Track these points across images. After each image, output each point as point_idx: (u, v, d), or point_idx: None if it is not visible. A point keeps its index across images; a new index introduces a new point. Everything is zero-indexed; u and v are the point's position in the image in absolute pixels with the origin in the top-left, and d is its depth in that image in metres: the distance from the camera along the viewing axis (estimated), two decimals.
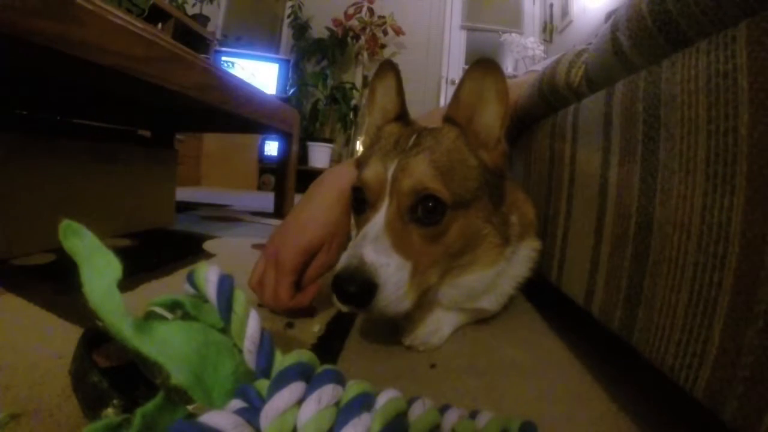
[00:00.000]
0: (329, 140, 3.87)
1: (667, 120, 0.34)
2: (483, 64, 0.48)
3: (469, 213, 0.47)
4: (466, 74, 0.49)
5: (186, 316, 0.33)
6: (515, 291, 0.58)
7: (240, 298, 0.32)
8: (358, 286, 0.39)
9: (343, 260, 0.41)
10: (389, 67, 0.56)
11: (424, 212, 0.44)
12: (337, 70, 3.95)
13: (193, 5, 3.34)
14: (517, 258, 0.56)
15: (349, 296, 0.39)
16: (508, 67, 4.09)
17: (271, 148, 3.57)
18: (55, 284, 0.60)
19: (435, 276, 0.46)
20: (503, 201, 0.51)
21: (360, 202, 0.48)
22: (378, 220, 0.43)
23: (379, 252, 0.40)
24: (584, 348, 0.54)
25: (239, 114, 1.09)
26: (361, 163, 0.52)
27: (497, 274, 0.52)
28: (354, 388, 0.27)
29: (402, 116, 0.55)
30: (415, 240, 0.44)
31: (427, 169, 0.44)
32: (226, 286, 0.33)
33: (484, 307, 0.55)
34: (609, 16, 1.41)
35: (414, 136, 0.48)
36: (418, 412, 0.27)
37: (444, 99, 3.92)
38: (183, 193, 2.05)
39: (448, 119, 0.51)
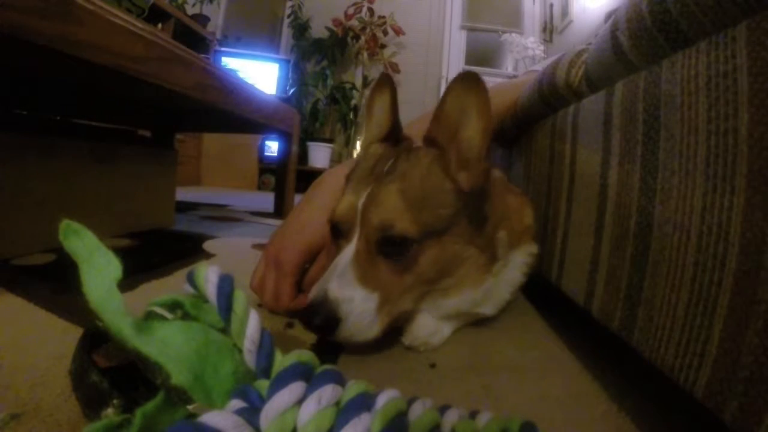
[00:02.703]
0: (329, 140, 3.87)
1: (667, 120, 0.34)
2: (464, 79, 0.46)
3: (443, 240, 0.46)
4: (447, 90, 0.47)
5: (186, 316, 0.33)
6: (512, 296, 0.58)
7: (240, 298, 0.32)
8: (322, 320, 0.41)
9: (312, 292, 0.43)
10: (385, 83, 0.54)
11: (390, 246, 0.44)
12: (337, 70, 3.95)
13: (193, 5, 3.34)
14: (512, 266, 0.55)
15: (315, 327, 0.42)
16: (508, 67, 4.09)
17: (271, 148, 3.57)
18: (55, 284, 0.60)
19: (408, 303, 0.47)
20: (487, 221, 0.49)
21: (336, 231, 0.49)
22: (347, 253, 0.44)
23: (343, 287, 0.42)
24: (584, 348, 0.54)
25: (239, 114, 1.09)
26: (347, 180, 0.51)
27: (486, 291, 0.51)
28: (354, 388, 0.27)
29: (390, 135, 0.54)
30: (383, 272, 0.44)
31: (396, 203, 0.44)
32: (226, 286, 0.33)
33: (481, 313, 0.55)
34: (609, 16, 1.41)
35: (391, 161, 0.47)
36: (418, 412, 0.27)
37: None
38: (183, 193, 2.05)
39: (429, 140, 0.49)
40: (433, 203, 0.45)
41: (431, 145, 0.49)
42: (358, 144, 3.68)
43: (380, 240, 0.44)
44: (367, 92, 3.86)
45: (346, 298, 0.42)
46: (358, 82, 3.88)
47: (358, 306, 0.42)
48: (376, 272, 0.44)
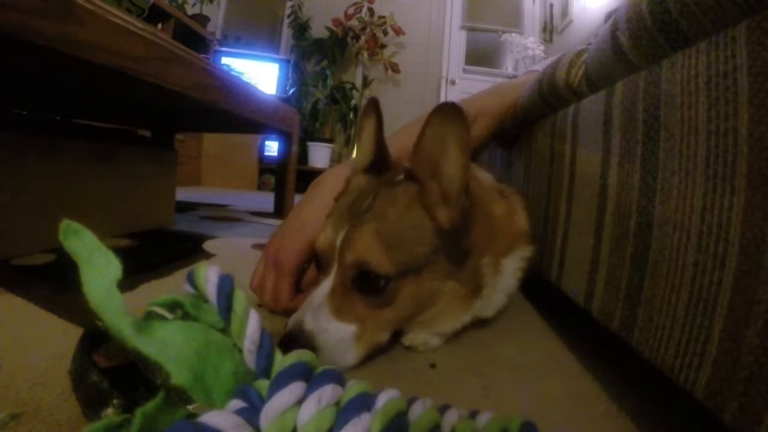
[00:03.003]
0: (329, 140, 3.87)
1: (667, 120, 0.34)
2: (443, 110, 0.44)
3: (421, 277, 0.45)
4: (427, 122, 0.45)
5: (186, 316, 0.33)
6: (510, 299, 0.57)
7: (240, 298, 0.32)
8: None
9: (290, 323, 0.43)
10: (371, 110, 0.53)
11: (365, 283, 0.44)
12: (337, 70, 3.95)
13: (193, 5, 3.34)
14: (505, 275, 0.55)
15: None
16: (508, 67, 4.09)
17: (271, 148, 3.57)
18: (55, 284, 0.60)
19: (385, 335, 0.46)
20: (468, 256, 0.48)
21: (317, 262, 0.49)
22: (324, 286, 0.45)
23: (319, 320, 0.43)
24: (584, 348, 0.54)
25: (239, 114, 1.09)
26: (330, 213, 0.51)
27: (474, 312, 0.51)
28: (354, 388, 0.27)
29: (375, 165, 0.53)
30: (359, 306, 0.44)
31: (372, 243, 0.43)
32: (226, 286, 0.33)
33: (478, 316, 0.55)
34: (609, 16, 1.41)
35: (370, 198, 0.47)
36: (418, 412, 0.27)
37: (444, 99, 3.92)
38: (183, 193, 2.05)
39: (409, 174, 0.48)
40: (410, 242, 0.45)
41: (412, 179, 0.48)
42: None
43: (355, 277, 0.44)
44: (367, 92, 3.86)
45: (321, 329, 0.42)
46: (358, 82, 3.88)
47: (333, 336, 0.43)
48: (351, 307, 0.44)
